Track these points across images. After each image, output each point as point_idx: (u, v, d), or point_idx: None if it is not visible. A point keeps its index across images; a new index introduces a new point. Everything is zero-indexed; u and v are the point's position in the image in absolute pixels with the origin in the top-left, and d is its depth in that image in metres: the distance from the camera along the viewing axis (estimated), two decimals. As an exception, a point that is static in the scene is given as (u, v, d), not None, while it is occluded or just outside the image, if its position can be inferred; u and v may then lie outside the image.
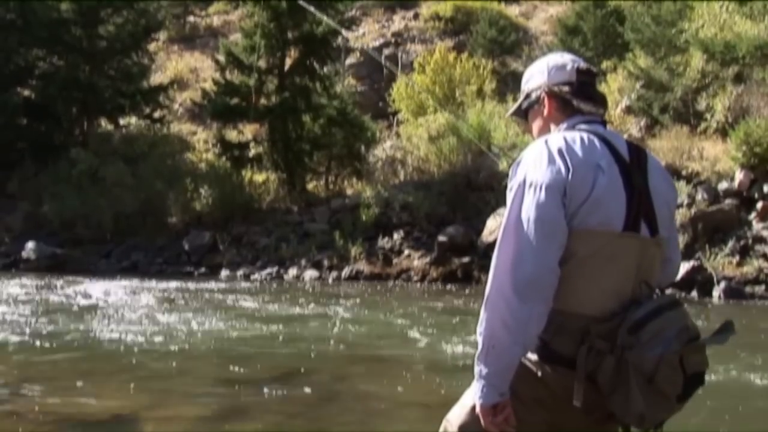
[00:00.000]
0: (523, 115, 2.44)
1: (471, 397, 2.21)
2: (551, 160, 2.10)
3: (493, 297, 2.08)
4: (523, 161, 2.16)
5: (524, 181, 2.11)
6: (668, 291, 12.28)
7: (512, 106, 2.49)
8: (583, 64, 2.35)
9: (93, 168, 20.51)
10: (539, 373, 2.14)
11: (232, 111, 21.11)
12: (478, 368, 2.10)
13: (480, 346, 2.10)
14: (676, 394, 2.04)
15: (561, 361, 2.10)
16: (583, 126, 2.24)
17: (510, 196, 2.14)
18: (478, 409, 2.12)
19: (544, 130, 2.34)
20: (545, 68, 2.36)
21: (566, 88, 2.30)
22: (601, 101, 2.34)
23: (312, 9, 6.19)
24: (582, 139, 2.16)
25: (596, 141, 2.17)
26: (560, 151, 2.11)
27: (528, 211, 2.07)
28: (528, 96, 2.39)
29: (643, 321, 2.04)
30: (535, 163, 2.11)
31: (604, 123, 2.31)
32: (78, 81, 23.52)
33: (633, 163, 2.20)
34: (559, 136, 2.18)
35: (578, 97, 2.29)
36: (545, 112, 2.34)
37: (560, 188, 2.07)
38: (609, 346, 2.04)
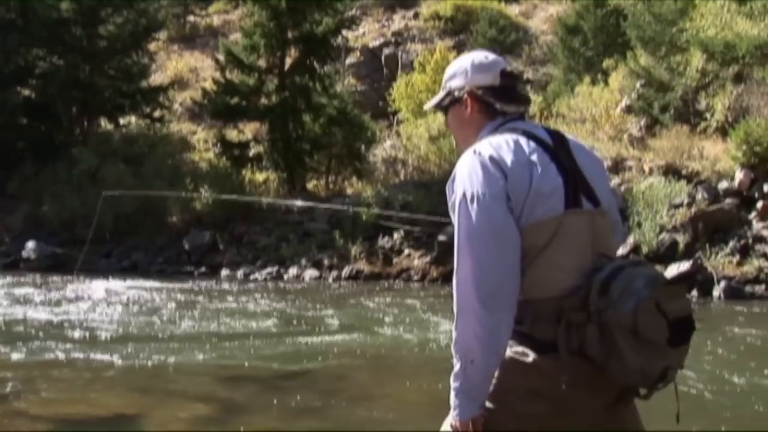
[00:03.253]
0: (444, 110, 2.44)
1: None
2: (486, 170, 2.12)
3: (462, 313, 2.10)
4: (457, 177, 2.18)
5: (464, 196, 2.12)
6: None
7: (432, 100, 2.48)
8: (506, 66, 2.35)
9: (93, 168, 20.49)
10: (529, 360, 2.13)
11: (232, 110, 21.11)
12: (457, 384, 2.12)
13: (458, 364, 2.11)
14: (664, 338, 2.03)
15: (547, 347, 2.11)
16: (505, 127, 2.26)
17: (455, 214, 2.15)
18: (456, 424, 2.13)
19: (465, 129, 2.36)
20: (469, 68, 2.35)
21: (489, 92, 2.31)
22: (523, 101, 2.36)
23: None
24: (507, 142, 2.18)
25: (522, 139, 2.20)
26: (492, 159, 2.13)
27: (478, 223, 2.09)
28: (450, 93, 2.39)
29: (608, 280, 2.06)
30: (471, 176, 2.13)
31: (522, 117, 2.33)
32: (78, 80, 23.51)
33: (557, 147, 2.23)
34: (486, 144, 2.19)
35: (501, 101, 2.30)
36: (467, 113, 2.34)
37: (503, 195, 2.10)
38: (585, 316, 2.05)
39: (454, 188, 2.18)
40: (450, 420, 2.17)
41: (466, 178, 2.14)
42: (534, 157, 2.16)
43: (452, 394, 2.13)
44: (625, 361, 2.02)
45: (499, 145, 2.17)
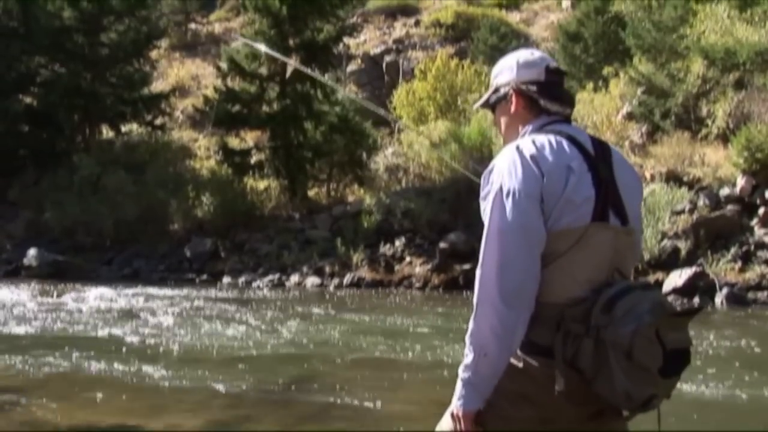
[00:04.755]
0: (491, 108, 2.46)
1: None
2: (526, 167, 2.13)
3: (482, 307, 2.11)
4: (496, 169, 2.19)
5: (501, 190, 2.14)
6: (669, 298, 12.23)
7: (480, 98, 2.50)
8: (552, 63, 2.36)
9: (95, 175, 20.51)
10: (521, 365, 2.15)
11: (233, 118, 21.13)
12: (467, 375, 2.13)
13: (470, 355, 2.13)
14: (657, 366, 2.03)
15: (541, 351, 2.13)
16: (550, 127, 2.26)
17: (487, 205, 2.17)
18: (459, 413, 2.14)
19: (511, 126, 2.37)
20: (515, 65, 2.36)
21: (534, 87, 2.31)
22: (568, 101, 2.36)
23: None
24: (551, 143, 2.19)
25: (564, 142, 2.20)
26: (533, 158, 2.15)
27: (510, 220, 2.11)
28: (496, 90, 2.40)
29: (615, 298, 2.07)
30: (510, 171, 2.14)
31: (568, 120, 2.34)
32: (80, 88, 23.54)
33: (598, 157, 2.23)
34: (528, 142, 2.20)
35: (545, 97, 2.31)
36: (512, 109, 2.35)
37: (537, 195, 2.12)
38: (584, 328, 2.06)
39: (490, 179, 2.19)
40: (451, 409, 2.18)
41: (505, 172, 2.15)
42: (573, 164, 2.17)
43: (459, 384, 2.15)
44: (613, 381, 2.02)
45: (542, 144, 2.18)
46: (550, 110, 2.30)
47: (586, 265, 2.13)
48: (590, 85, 19.86)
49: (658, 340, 2.03)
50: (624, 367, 2.01)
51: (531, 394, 2.14)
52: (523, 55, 2.38)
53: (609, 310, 2.05)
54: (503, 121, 2.40)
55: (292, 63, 15.30)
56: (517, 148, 2.18)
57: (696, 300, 12.35)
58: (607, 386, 2.04)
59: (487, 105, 2.45)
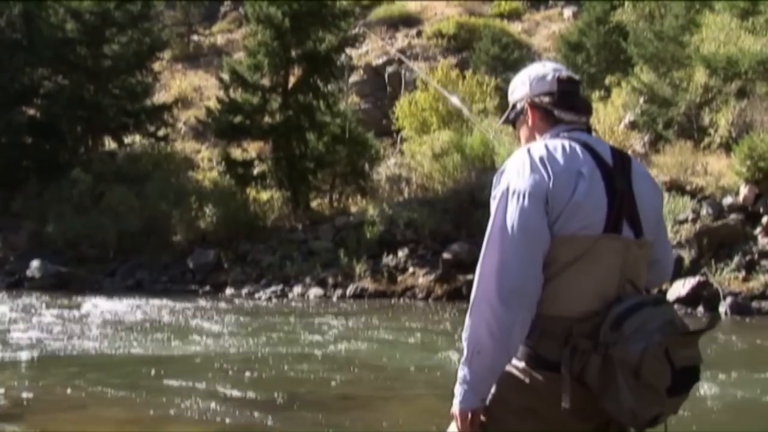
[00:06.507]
0: (512, 124, 2.48)
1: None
2: (533, 169, 2.14)
3: (478, 304, 2.11)
4: (506, 170, 2.20)
5: (507, 190, 2.15)
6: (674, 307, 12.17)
7: (502, 116, 2.53)
8: (564, 73, 2.37)
9: (94, 189, 20.51)
10: (527, 380, 2.14)
11: (236, 129, 21.17)
12: (462, 373, 2.13)
13: (465, 352, 2.12)
14: (665, 386, 2.02)
15: (548, 365, 2.11)
16: (565, 134, 2.27)
17: (494, 204, 2.18)
18: (456, 412, 2.14)
19: (530, 139, 2.39)
20: (527, 79, 2.39)
21: (547, 99, 2.33)
22: (583, 109, 2.37)
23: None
24: (563, 147, 2.19)
25: (578, 148, 2.21)
26: (542, 159, 2.15)
27: (512, 220, 2.11)
28: (514, 107, 2.44)
29: (624, 315, 2.05)
30: (518, 172, 2.15)
31: (588, 130, 2.34)
32: (83, 100, 23.63)
33: (616, 168, 2.23)
34: (540, 145, 2.21)
35: (559, 108, 2.32)
36: (529, 122, 2.38)
37: (543, 196, 2.11)
38: (592, 345, 2.04)
39: (500, 180, 2.20)
40: (452, 408, 2.18)
41: (513, 172, 2.16)
42: (584, 170, 2.16)
43: (457, 382, 2.15)
44: (620, 399, 2.01)
45: (555, 148, 2.19)
46: (565, 119, 2.31)
47: (594, 278, 2.11)
48: (592, 95, 19.88)
49: (668, 358, 2.01)
50: (631, 386, 1.99)
51: (537, 408, 2.12)
52: (535, 68, 2.41)
53: (618, 327, 2.03)
54: (523, 134, 2.43)
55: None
56: (528, 150, 2.20)
57: (700, 309, 12.33)
58: (612, 403, 2.02)
59: (508, 121, 2.48)
